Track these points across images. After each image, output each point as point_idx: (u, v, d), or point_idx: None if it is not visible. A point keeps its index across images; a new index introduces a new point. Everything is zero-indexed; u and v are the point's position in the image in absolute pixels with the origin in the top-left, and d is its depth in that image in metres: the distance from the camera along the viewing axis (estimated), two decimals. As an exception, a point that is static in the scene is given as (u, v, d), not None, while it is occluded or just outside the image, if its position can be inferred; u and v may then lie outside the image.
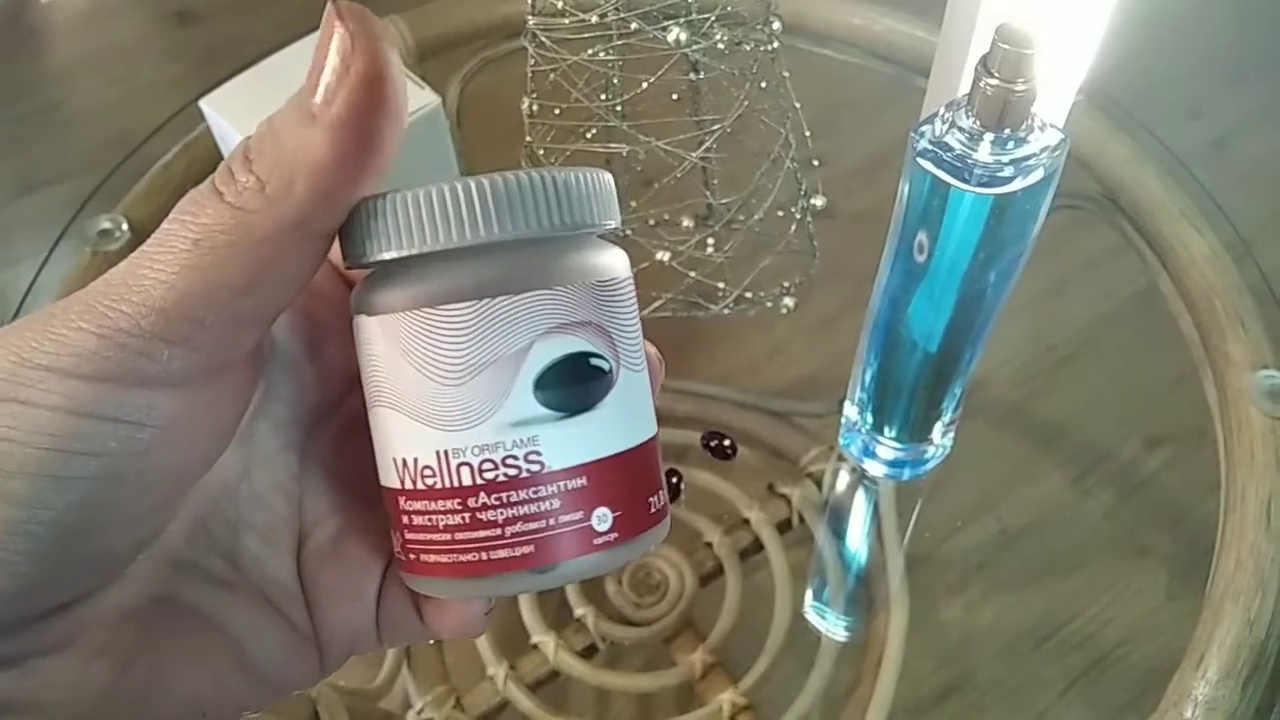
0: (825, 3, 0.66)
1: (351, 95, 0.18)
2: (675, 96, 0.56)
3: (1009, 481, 0.52)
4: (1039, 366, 0.57)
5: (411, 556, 0.21)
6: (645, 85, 0.47)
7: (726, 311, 0.55)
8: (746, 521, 0.49)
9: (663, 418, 0.23)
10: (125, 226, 0.55)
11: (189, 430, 0.20)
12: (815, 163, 0.60)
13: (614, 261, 0.22)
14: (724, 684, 0.44)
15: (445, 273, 0.20)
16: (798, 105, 0.53)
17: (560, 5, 0.46)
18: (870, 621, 0.46)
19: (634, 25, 0.45)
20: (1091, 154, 0.59)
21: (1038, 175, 0.31)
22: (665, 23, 0.45)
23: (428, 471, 0.20)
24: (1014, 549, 0.50)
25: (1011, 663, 0.47)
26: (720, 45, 0.47)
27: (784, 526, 0.49)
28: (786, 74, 0.51)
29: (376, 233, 0.20)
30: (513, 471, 0.20)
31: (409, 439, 0.21)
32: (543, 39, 0.47)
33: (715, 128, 0.48)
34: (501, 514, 0.20)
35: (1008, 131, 0.31)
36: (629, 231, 0.54)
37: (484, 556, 0.20)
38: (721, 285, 0.54)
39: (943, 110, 0.32)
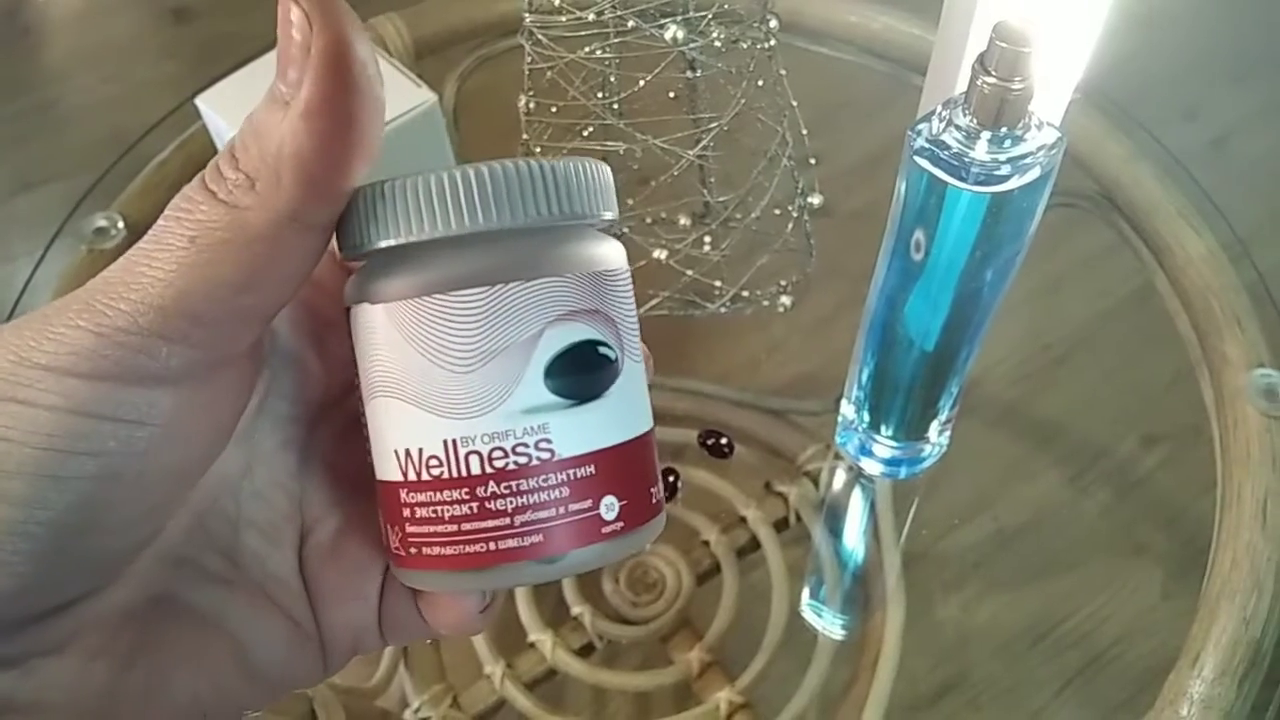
0: (822, 0, 0.66)
1: (317, 76, 0.18)
2: (672, 94, 0.56)
3: (1005, 480, 0.52)
4: (1035, 365, 0.57)
5: (413, 551, 0.21)
6: (642, 83, 0.47)
7: (723, 310, 0.55)
8: (743, 520, 0.49)
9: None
10: (121, 224, 0.55)
11: (188, 428, 0.20)
12: (812, 161, 0.60)
13: (615, 253, 0.22)
14: (721, 682, 0.44)
15: (456, 259, 0.20)
16: (794, 103, 0.53)
17: (557, 3, 0.45)
18: (867, 620, 0.46)
19: (631, 23, 0.45)
20: (1088, 153, 0.59)
21: (1034, 174, 0.31)
22: (662, 21, 0.45)
23: (434, 462, 0.20)
24: (1010, 547, 0.50)
25: (1008, 661, 0.47)
26: (717, 43, 0.47)
27: (781, 525, 0.49)
28: (783, 72, 0.51)
29: (381, 219, 0.20)
30: (523, 460, 0.20)
31: (414, 429, 0.20)
32: (540, 37, 0.47)
33: (712, 126, 0.48)
34: (511, 503, 0.20)
35: (1004, 130, 0.31)
36: (626, 229, 0.54)
37: (492, 547, 0.20)
38: (718, 283, 0.54)
39: (939, 108, 0.32)
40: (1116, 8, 0.39)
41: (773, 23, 0.48)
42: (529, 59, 0.48)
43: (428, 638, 0.24)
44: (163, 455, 0.19)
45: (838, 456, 0.50)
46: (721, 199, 0.54)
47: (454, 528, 0.20)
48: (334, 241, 0.21)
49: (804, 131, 0.58)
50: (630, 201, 0.56)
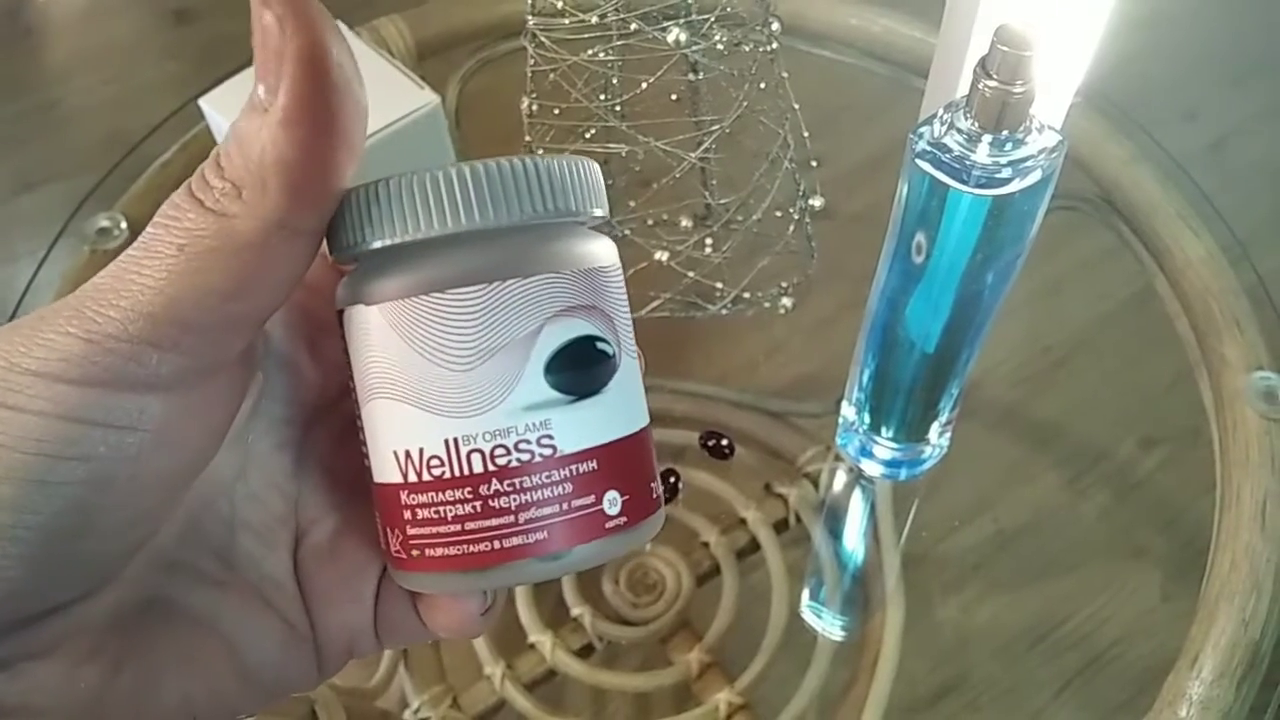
0: (824, 3, 0.66)
1: (293, 80, 0.18)
2: (674, 97, 0.56)
3: (1005, 482, 0.53)
4: (1035, 367, 0.57)
5: (415, 553, 0.21)
6: (644, 86, 0.47)
7: (724, 311, 0.55)
8: (743, 521, 0.49)
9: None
10: (124, 225, 0.55)
11: (180, 434, 0.20)
12: (813, 163, 0.60)
13: (608, 250, 0.22)
14: (720, 683, 0.44)
15: (451, 257, 0.20)
16: (796, 106, 0.53)
17: (560, 5, 0.46)
18: (866, 621, 0.46)
19: (634, 26, 0.45)
20: (1088, 155, 0.59)
21: (1036, 177, 0.31)
22: (665, 23, 0.45)
23: (435, 461, 0.20)
24: (1010, 549, 0.50)
25: (1007, 662, 0.47)
26: (719, 46, 0.47)
27: (781, 526, 0.49)
28: (785, 75, 0.51)
29: (373, 220, 0.20)
30: (526, 456, 0.20)
31: (413, 430, 0.20)
32: (542, 39, 0.47)
33: (714, 128, 0.48)
34: (515, 500, 0.20)
35: (1006, 133, 0.31)
36: (627, 231, 0.54)
37: (497, 545, 0.20)
38: (720, 285, 0.54)
39: (941, 112, 0.32)
40: (1117, 11, 0.39)
41: (775, 26, 0.48)
42: (531, 61, 0.48)
43: (424, 641, 0.24)
44: (154, 460, 0.19)
45: (838, 458, 0.50)
46: (723, 201, 0.54)
47: (457, 528, 0.20)
48: (326, 244, 0.21)
49: (805, 134, 0.59)
50: (632, 203, 0.56)
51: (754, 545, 0.48)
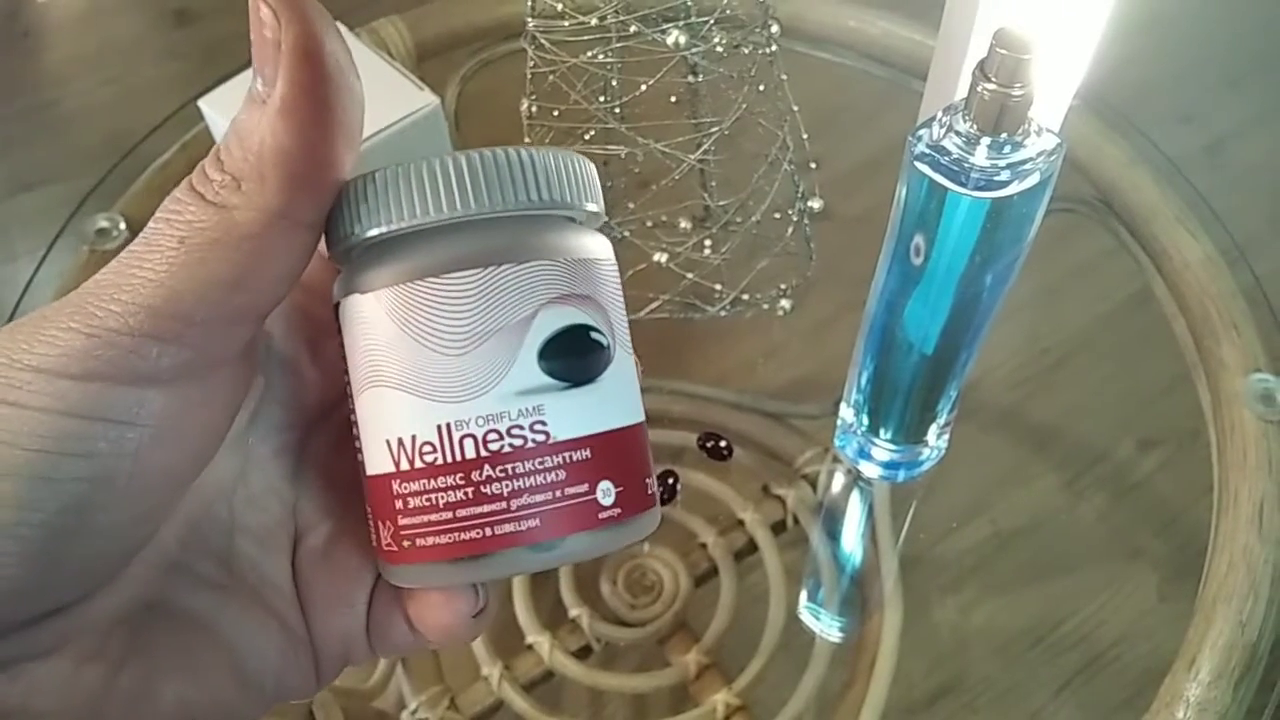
0: (823, 6, 0.66)
1: (290, 72, 0.18)
2: (674, 99, 0.56)
3: (1003, 483, 0.53)
4: (1033, 369, 0.57)
5: (405, 544, 0.21)
6: (644, 88, 0.47)
7: (723, 313, 0.55)
8: (741, 523, 0.49)
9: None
10: (123, 225, 0.55)
11: (179, 430, 0.20)
12: (812, 165, 0.61)
13: (602, 245, 0.22)
14: (718, 685, 0.44)
15: (446, 243, 0.20)
16: (795, 108, 0.53)
17: (560, 7, 0.46)
18: (864, 622, 0.46)
19: (633, 28, 0.45)
20: (1086, 158, 0.59)
21: (1034, 179, 0.32)
22: (664, 26, 0.45)
23: (427, 448, 0.20)
24: (1008, 551, 0.50)
25: (1005, 664, 0.47)
26: (719, 48, 0.47)
27: (779, 528, 0.49)
28: (784, 77, 0.51)
29: (369, 210, 0.20)
30: (518, 441, 0.20)
31: (406, 416, 0.20)
32: (542, 41, 0.47)
33: (713, 130, 0.49)
34: (507, 486, 0.20)
35: (1004, 136, 0.31)
36: (627, 233, 0.54)
37: (488, 533, 0.20)
38: (718, 287, 0.54)
39: (940, 114, 0.32)
40: (1114, 14, 0.39)
41: (774, 28, 0.49)
42: (531, 63, 0.48)
43: (415, 650, 0.24)
44: (154, 457, 0.19)
45: (836, 459, 0.50)
46: (722, 203, 0.55)
47: (448, 515, 0.20)
48: (324, 240, 0.21)
49: (804, 136, 0.59)
50: (631, 205, 0.56)
51: (752, 546, 0.49)
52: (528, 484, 0.20)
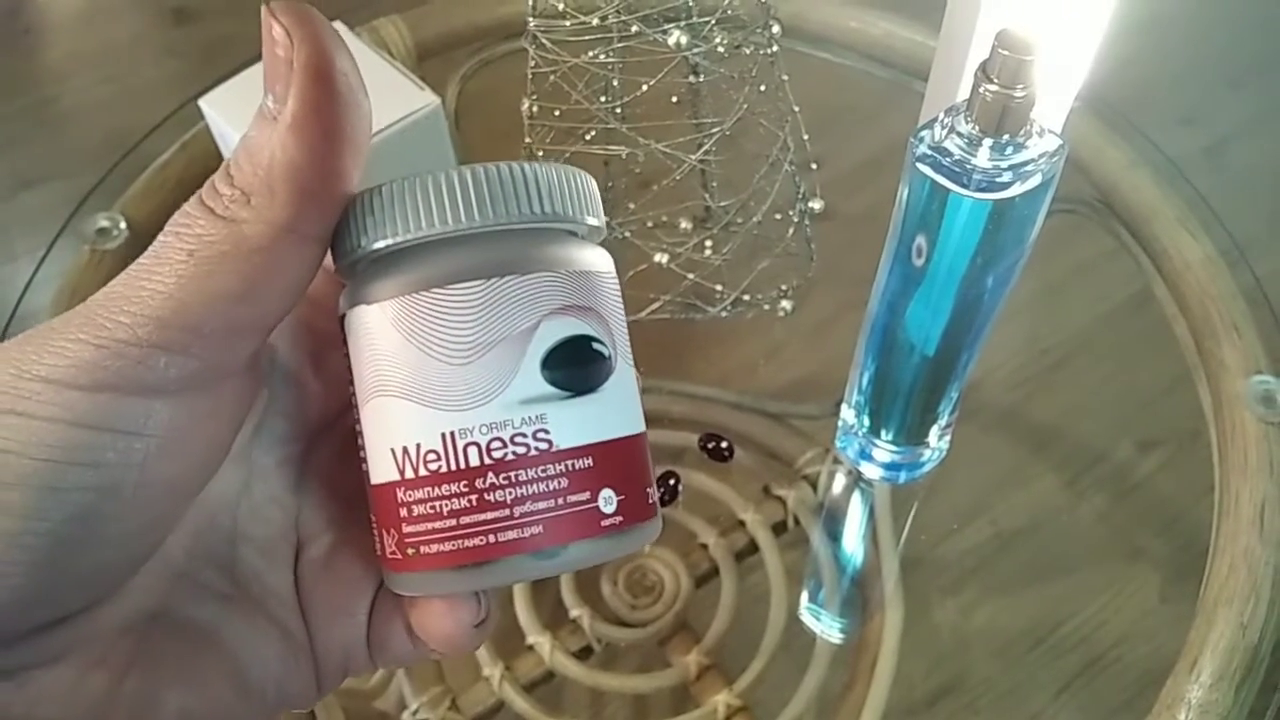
0: (824, 6, 0.66)
1: (302, 91, 0.19)
2: (675, 99, 0.56)
3: (1004, 484, 0.53)
4: (1034, 370, 0.57)
5: (410, 552, 0.21)
6: (645, 88, 0.47)
7: (724, 314, 0.55)
8: (742, 523, 0.49)
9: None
10: (123, 225, 0.55)
11: (186, 440, 0.20)
12: (813, 166, 0.61)
13: (604, 258, 0.23)
14: (719, 685, 0.44)
15: (451, 255, 0.20)
16: (796, 108, 0.53)
17: (561, 7, 0.46)
18: (865, 623, 0.46)
19: (634, 28, 0.45)
20: (1087, 159, 0.59)
21: (1036, 181, 0.32)
22: (665, 26, 0.45)
23: (432, 456, 0.20)
24: (1008, 552, 0.50)
25: (1005, 665, 0.47)
26: (720, 48, 0.47)
27: (779, 528, 0.49)
28: (785, 77, 0.51)
29: (375, 223, 0.20)
30: (521, 450, 0.20)
31: (411, 424, 0.20)
32: (543, 41, 0.47)
33: (714, 130, 0.49)
34: (510, 494, 0.20)
35: (1006, 137, 0.31)
36: (628, 234, 0.54)
37: (491, 540, 0.20)
38: (719, 287, 0.54)
39: (942, 115, 0.32)
40: (1116, 15, 0.39)
41: (775, 28, 0.49)
42: (532, 63, 0.48)
43: (415, 662, 0.24)
44: (161, 467, 0.19)
45: (836, 460, 0.50)
46: (723, 203, 0.55)
47: (452, 522, 0.20)
48: (330, 253, 0.21)
49: (805, 136, 0.59)
50: (632, 205, 0.56)
51: (753, 547, 0.49)
52: (530, 491, 0.20)
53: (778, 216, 0.56)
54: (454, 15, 0.67)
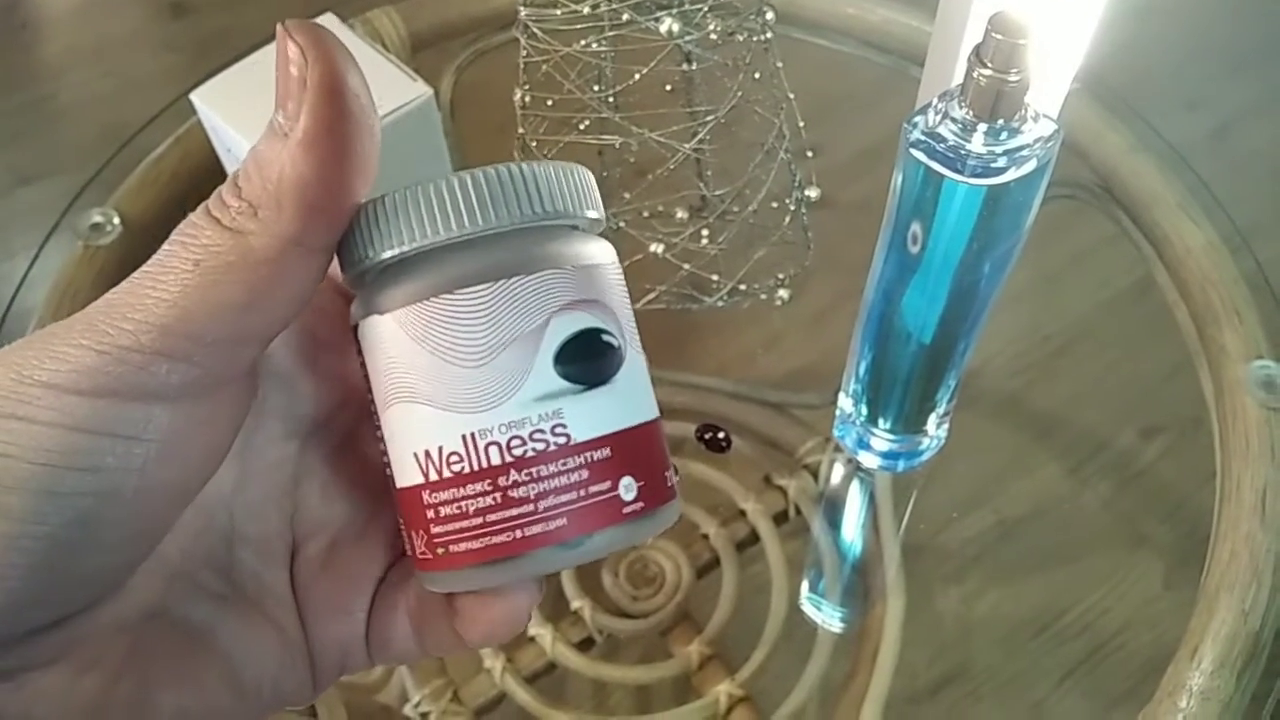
0: (820, -8, 0.66)
1: (314, 109, 0.19)
2: (668, 87, 0.56)
3: (1006, 472, 0.52)
4: (1034, 357, 0.57)
5: (440, 551, 0.21)
6: (638, 76, 0.47)
7: (721, 303, 0.55)
8: (743, 513, 0.49)
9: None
10: (116, 220, 0.55)
11: (185, 446, 0.20)
12: (809, 153, 0.60)
13: (605, 250, 0.23)
14: (721, 675, 0.44)
15: (458, 260, 0.21)
16: (791, 96, 0.53)
17: (552, -4, 0.45)
18: (867, 612, 0.46)
19: (626, 16, 0.45)
20: (1088, 144, 0.59)
21: (1031, 166, 0.31)
22: (657, 13, 0.45)
23: (454, 457, 0.21)
24: (1011, 540, 0.50)
25: (1008, 653, 0.47)
26: (713, 36, 0.46)
27: (780, 518, 0.49)
28: (780, 64, 0.51)
29: (382, 233, 0.21)
30: (541, 446, 0.21)
31: (432, 428, 0.21)
32: (534, 30, 0.47)
33: (709, 119, 0.48)
34: (534, 489, 0.21)
35: (1001, 122, 0.31)
36: (623, 224, 0.54)
37: (518, 535, 0.21)
38: (716, 277, 0.54)
39: (935, 101, 0.32)
40: (1114, -2, 0.39)
41: (769, 15, 0.48)
42: (524, 52, 0.48)
43: (415, 659, 0.25)
44: (160, 472, 0.19)
45: (837, 449, 0.50)
46: (718, 192, 0.54)
47: (479, 520, 0.21)
48: (337, 261, 0.22)
49: (801, 124, 0.58)
50: (627, 195, 0.56)
51: (754, 537, 0.48)
52: (553, 485, 0.21)
53: (774, 205, 0.55)
54: (448, 6, 0.66)
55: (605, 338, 0.22)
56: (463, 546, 0.21)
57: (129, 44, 0.98)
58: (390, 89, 0.46)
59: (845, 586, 0.49)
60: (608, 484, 0.21)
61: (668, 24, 0.44)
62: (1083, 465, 0.53)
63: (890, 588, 0.47)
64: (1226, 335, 0.50)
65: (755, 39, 0.49)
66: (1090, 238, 0.60)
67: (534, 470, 0.21)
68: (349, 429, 0.25)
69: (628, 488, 0.21)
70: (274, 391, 0.24)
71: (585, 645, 0.46)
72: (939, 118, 0.32)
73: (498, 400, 0.20)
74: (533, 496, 0.21)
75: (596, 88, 0.50)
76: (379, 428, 0.22)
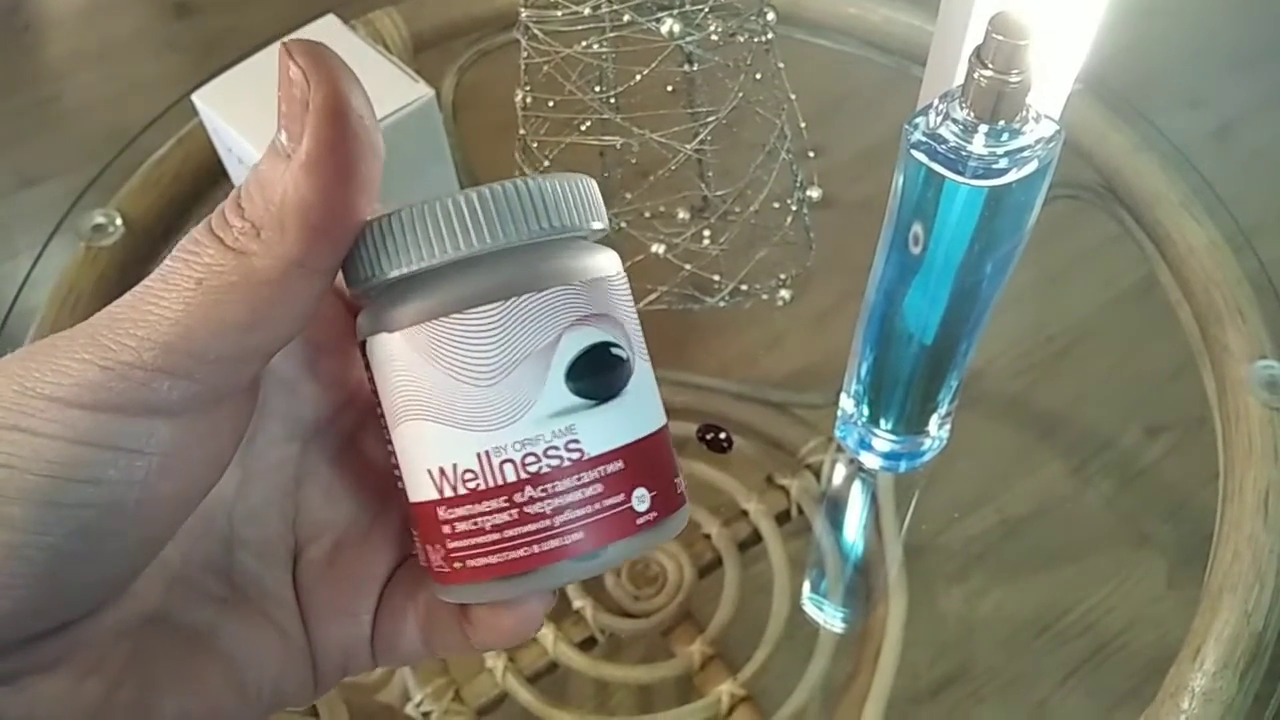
0: (822, -8, 0.66)
1: (316, 130, 0.19)
2: (670, 88, 0.56)
3: (1009, 471, 0.52)
4: (1038, 356, 0.57)
5: (457, 565, 0.21)
6: (639, 77, 0.47)
7: (723, 304, 0.55)
8: (745, 513, 0.49)
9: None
10: (119, 221, 0.55)
11: (187, 458, 0.20)
12: (811, 154, 0.60)
13: (611, 260, 0.23)
14: (723, 675, 0.44)
15: (467, 279, 0.21)
16: (793, 96, 0.53)
17: (553, -3, 0.45)
18: (869, 612, 0.46)
19: (627, 17, 0.45)
20: (1091, 143, 0.59)
21: (1032, 167, 0.31)
22: (658, 14, 0.45)
23: (469, 475, 0.21)
24: (1014, 539, 0.50)
25: (1011, 652, 0.47)
26: (714, 36, 0.46)
27: (782, 518, 0.49)
28: (781, 65, 0.51)
29: (389, 251, 0.21)
30: (555, 461, 0.21)
31: (446, 446, 0.21)
32: (536, 31, 0.47)
33: (710, 119, 0.48)
34: (549, 505, 0.21)
35: (1002, 123, 0.31)
36: (624, 224, 0.54)
37: (535, 550, 0.21)
38: (717, 277, 0.54)
39: (936, 102, 0.32)
40: (1117, -2, 0.39)
41: (770, 15, 0.48)
42: (525, 54, 0.48)
43: (421, 660, 0.25)
44: (162, 484, 0.19)
45: (839, 450, 0.50)
46: (720, 193, 0.54)
47: (496, 536, 0.21)
48: (342, 276, 0.22)
49: (803, 124, 0.58)
50: (628, 196, 0.56)
51: (756, 537, 0.48)
52: (568, 500, 0.21)
53: (775, 205, 0.55)
54: (450, 6, 0.66)
55: (615, 351, 0.22)
56: (480, 561, 0.21)
57: (132, 45, 0.98)
58: (392, 90, 0.46)
59: (847, 586, 0.49)
60: (621, 496, 0.21)
61: (669, 25, 0.44)
62: (1085, 465, 0.53)
63: (892, 588, 0.47)
64: (1229, 335, 0.50)
65: (756, 39, 0.49)
66: (1093, 237, 0.59)
67: (549, 486, 0.21)
68: (351, 431, 0.25)
69: (640, 499, 0.21)
70: (275, 395, 0.24)
71: (587, 645, 0.46)
72: (940, 119, 0.32)
73: (511, 418, 0.21)
74: (549, 512, 0.21)
75: (598, 89, 0.50)
76: (389, 442, 0.22)
